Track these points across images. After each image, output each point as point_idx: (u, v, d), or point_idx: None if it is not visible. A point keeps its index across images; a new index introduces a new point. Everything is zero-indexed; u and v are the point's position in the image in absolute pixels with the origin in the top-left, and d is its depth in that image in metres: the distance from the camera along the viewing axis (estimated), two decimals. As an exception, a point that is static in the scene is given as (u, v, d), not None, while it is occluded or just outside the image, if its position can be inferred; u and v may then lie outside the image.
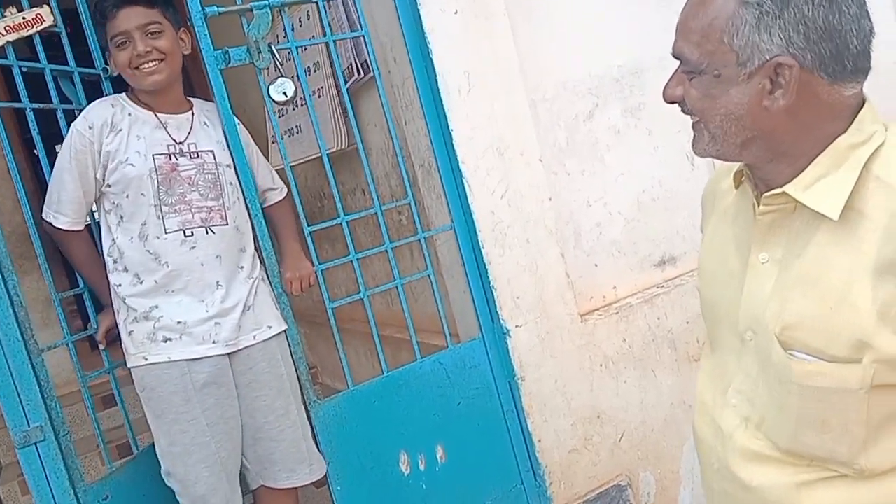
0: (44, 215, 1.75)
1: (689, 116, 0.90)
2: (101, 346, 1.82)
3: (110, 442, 2.01)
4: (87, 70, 1.95)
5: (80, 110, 1.89)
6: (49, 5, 1.83)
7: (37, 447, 1.59)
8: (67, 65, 1.90)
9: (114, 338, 1.82)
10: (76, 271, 1.85)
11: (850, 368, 0.77)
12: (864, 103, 0.83)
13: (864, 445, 0.80)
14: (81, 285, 1.87)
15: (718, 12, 0.80)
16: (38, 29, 1.80)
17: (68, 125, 1.78)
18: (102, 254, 1.75)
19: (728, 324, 0.94)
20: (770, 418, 0.88)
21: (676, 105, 0.91)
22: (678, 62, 0.88)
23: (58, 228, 1.74)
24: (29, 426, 1.58)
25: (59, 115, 1.84)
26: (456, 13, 2.08)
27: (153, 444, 1.95)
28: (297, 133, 3.02)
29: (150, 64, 1.70)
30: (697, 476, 2.46)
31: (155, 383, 1.67)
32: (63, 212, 1.72)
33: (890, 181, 0.78)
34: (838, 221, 0.80)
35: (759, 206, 0.88)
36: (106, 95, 1.90)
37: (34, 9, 1.80)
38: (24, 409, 1.58)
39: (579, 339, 2.24)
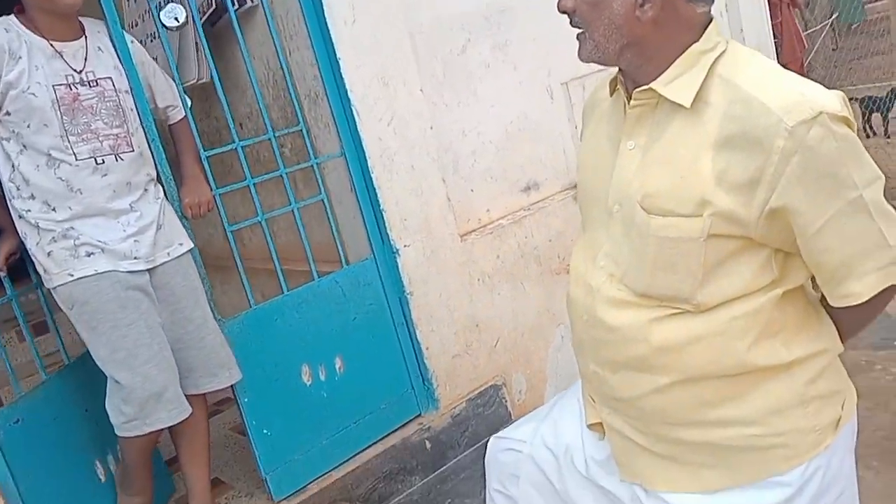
0: None
1: (574, 27, 1.11)
2: (1, 273, 1.79)
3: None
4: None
5: None
6: None
7: (-58, 374, 1.57)
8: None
9: (13, 263, 1.79)
10: None
11: (694, 221, 1.01)
12: (711, 21, 1.08)
13: (700, 284, 1.04)
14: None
15: None
16: None
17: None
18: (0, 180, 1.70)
19: (599, 203, 1.16)
20: (630, 270, 1.11)
21: (564, 16, 1.10)
22: None
23: None
24: (-67, 353, 1.56)
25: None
26: (339, -55, 2.16)
27: (65, 367, 1.96)
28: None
29: None
30: (559, 376, 2.81)
31: (87, 296, 1.68)
32: None
33: (729, 78, 1.02)
34: (690, 110, 1.03)
35: (629, 102, 1.10)
36: None
37: None
38: (-75, 337, 1.56)
39: (460, 257, 2.46)
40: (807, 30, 5.23)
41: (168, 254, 1.80)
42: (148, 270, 1.77)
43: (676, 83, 1.04)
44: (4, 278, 1.80)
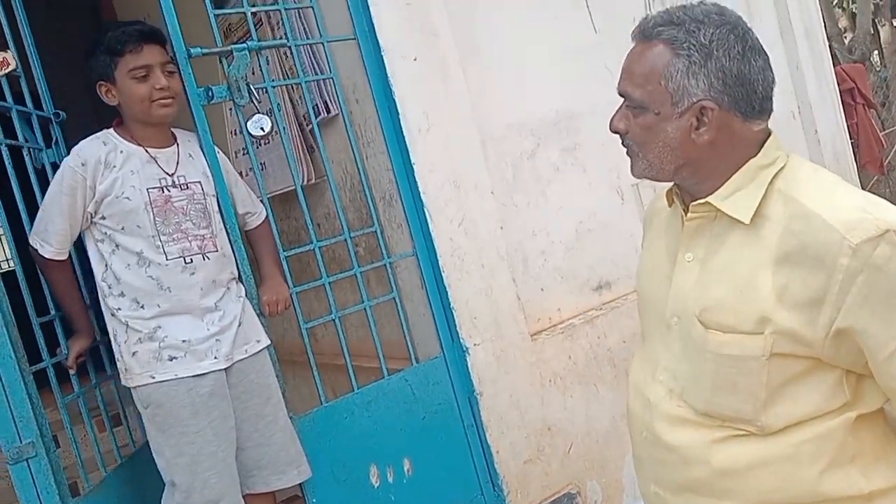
0: (30, 241, 1.81)
1: (625, 146, 1.10)
2: (72, 371, 1.88)
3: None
4: (39, 112, 2.05)
5: (38, 149, 1.99)
6: (10, 50, 1.92)
7: (28, 463, 1.63)
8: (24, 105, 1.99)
9: (82, 363, 1.90)
10: (54, 297, 1.91)
11: (754, 339, 0.97)
12: (770, 135, 1.06)
13: (764, 406, 0.98)
14: (53, 312, 1.93)
15: (657, 60, 1.01)
16: (5, 72, 1.90)
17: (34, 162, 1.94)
18: (95, 279, 1.81)
19: (657, 315, 1.13)
20: (690, 387, 1.06)
21: (617, 136, 1.10)
22: (623, 99, 1.07)
23: (42, 256, 1.81)
24: (21, 442, 1.62)
25: (25, 153, 1.96)
26: (415, 60, 2.30)
27: (118, 466, 2.02)
28: (262, 170, 3.15)
29: (167, 100, 1.82)
30: (637, 485, 2.66)
31: (163, 399, 1.75)
32: (49, 241, 1.79)
33: (789, 193, 1.00)
34: (749, 225, 1.01)
35: (686, 215, 1.09)
36: (54, 138, 2.02)
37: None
38: (16, 426, 1.62)
39: (530, 357, 2.43)
40: (884, 129, 5.14)
41: (245, 351, 1.86)
42: (225, 368, 1.82)
43: (734, 198, 1.03)
44: (73, 376, 1.90)
